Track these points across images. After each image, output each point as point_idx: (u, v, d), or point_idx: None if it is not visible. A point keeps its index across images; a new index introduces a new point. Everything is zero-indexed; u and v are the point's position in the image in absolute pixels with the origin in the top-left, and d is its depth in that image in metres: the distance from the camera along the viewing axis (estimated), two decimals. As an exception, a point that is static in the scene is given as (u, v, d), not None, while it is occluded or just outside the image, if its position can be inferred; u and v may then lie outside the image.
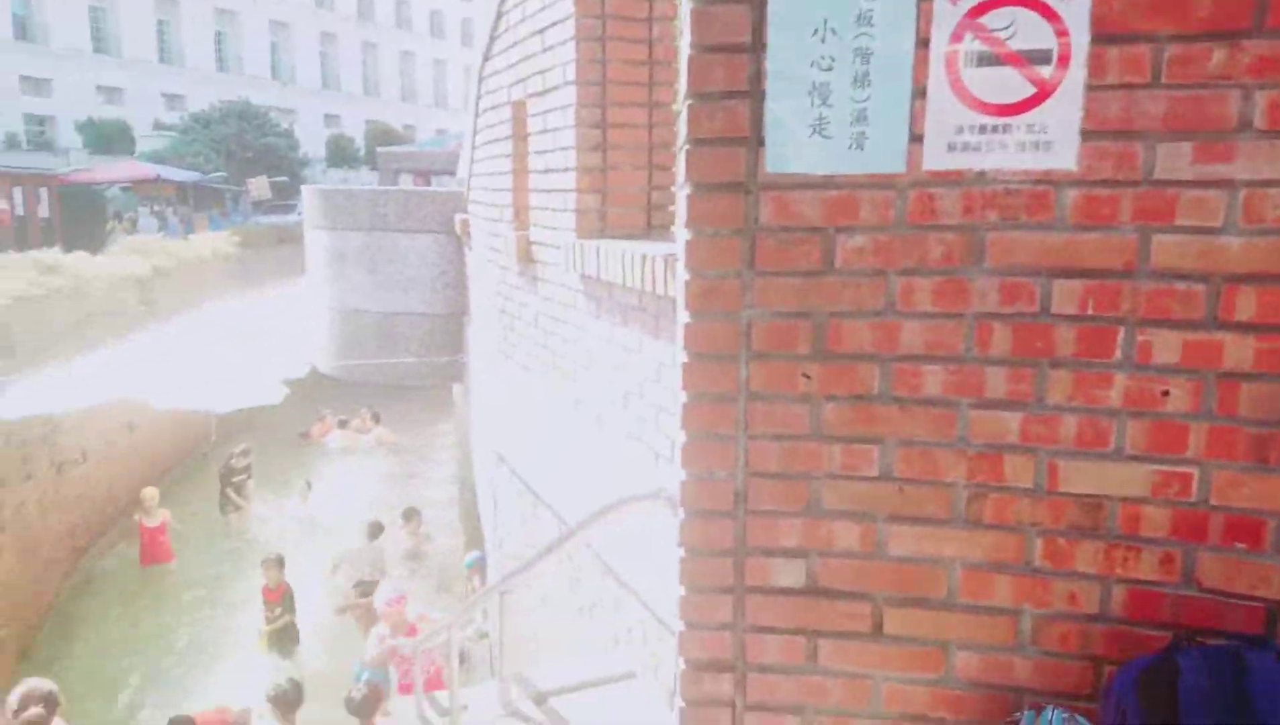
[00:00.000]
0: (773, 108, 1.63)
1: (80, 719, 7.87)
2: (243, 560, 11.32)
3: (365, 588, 8.60)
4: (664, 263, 2.74)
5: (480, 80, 5.29)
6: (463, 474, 10.31)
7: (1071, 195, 1.66)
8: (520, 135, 4.41)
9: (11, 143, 30.65)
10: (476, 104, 5.57)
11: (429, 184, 22.50)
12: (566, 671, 3.43)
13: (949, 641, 1.82)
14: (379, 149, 31.24)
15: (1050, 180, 1.66)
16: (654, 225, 3.77)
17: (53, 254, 11.20)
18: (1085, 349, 1.69)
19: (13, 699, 4.68)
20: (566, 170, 3.72)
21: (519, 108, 4.40)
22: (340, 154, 38.93)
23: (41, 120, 34.68)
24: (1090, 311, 1.68)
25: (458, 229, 6.71)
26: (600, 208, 3.68)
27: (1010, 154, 1.66)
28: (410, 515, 11.58)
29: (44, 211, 22.40)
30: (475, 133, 5.78)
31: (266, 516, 12.73)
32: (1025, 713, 1.79)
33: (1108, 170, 1.64)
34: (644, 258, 2.88)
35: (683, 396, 1.82)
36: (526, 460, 4.61)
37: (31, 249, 12.50)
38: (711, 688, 1.89)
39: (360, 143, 40.69)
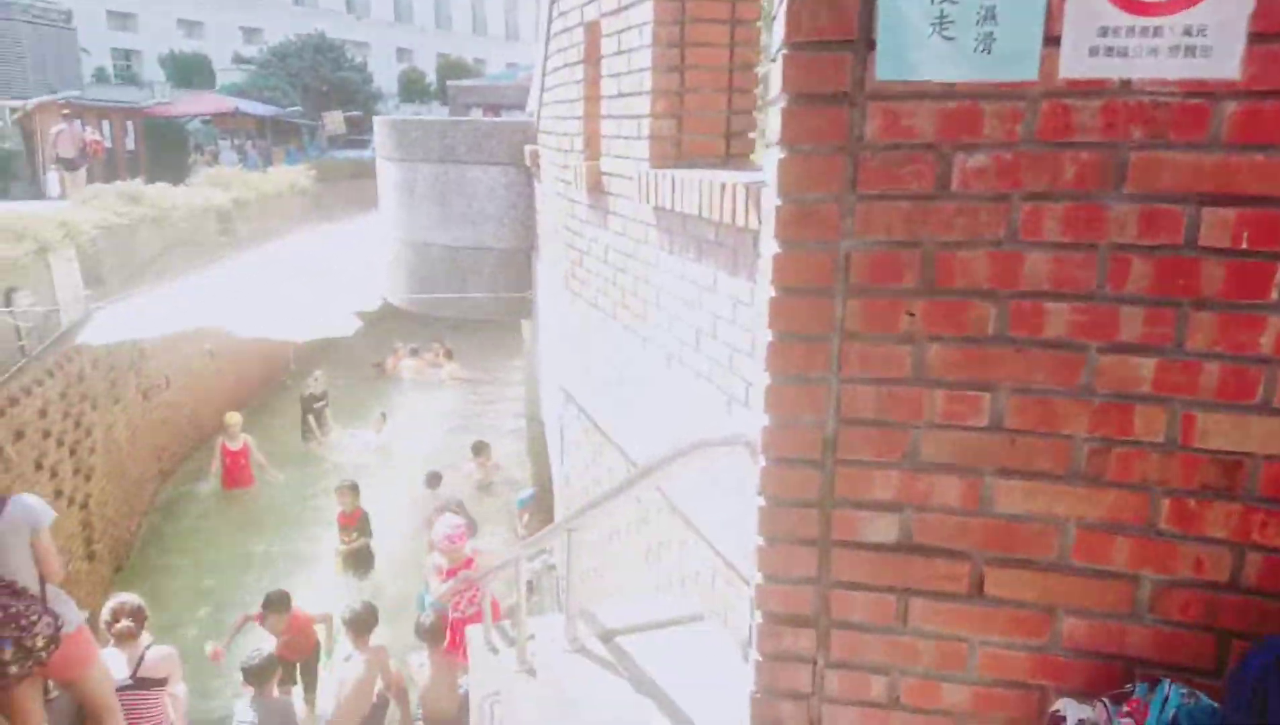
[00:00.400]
0: (888, 3, 1.43)
1: (165, 630, 8.31)
2: (321, 485, 11.70)
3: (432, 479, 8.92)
4: (745, 192, 2.55)
5: (552, 2, 5.07)
6: (531, 409, 10.38)
7: (1231, 109, 1.43)
8: (592, 58, 4.21)
9: (100, 77, 31.48)
10: (548, 28, 5.36)
11: (499, 117, 22.30)
12: (633, 610, 3.39)
13: (1056, 606, 1.66)
14: (450, 83, 31.10)
15: (1207, 91, 1.43)
16: (732, 153, 3.56)
17: (136, 185, 11.47)
18: (1235, 288, 1.48)
19: (105, 612, 4.89)
20: (641, 94, 3.52)
21: (592, 29, 4.20)
22: (412, 88, 38.98)
23: (127, 54, 35.52)
24: (1244, 245, 1.46)
25: (527, 160, 6.57)
26: (676, 134, 3.49)
27: (1161, 60, 1.43)
28: (480, 449, 11.77)
29: (130, 144, 23.02)
30: (545, 59, 5.58)
31: (343, 444, 13.10)
32: (1138, 685, 1.63)
33: (1277, 79, 1.40)
34: (723, 186, 2.70)
35: (768, 335, 1.67)
36: (594, 399, 4.53)
37: (118, 181, 12.79)
38: (791, 643, 1.78)
39: (432, 77, 40.60)
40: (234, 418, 10.95)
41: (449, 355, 17.21)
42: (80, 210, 9.71)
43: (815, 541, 1.74)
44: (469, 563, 5.90)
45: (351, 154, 26.25)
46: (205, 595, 8.96)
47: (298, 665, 7.01)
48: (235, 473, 10.93)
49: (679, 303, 3.34)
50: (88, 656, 4.25)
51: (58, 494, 7.58)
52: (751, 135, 3.60)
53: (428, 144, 7.08)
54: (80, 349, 8.44)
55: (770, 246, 1.65)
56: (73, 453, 8.00)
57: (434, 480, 10.04)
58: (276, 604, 6.68)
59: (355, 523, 9.12)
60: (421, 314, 7.61)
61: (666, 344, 3.49)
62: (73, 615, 4.15)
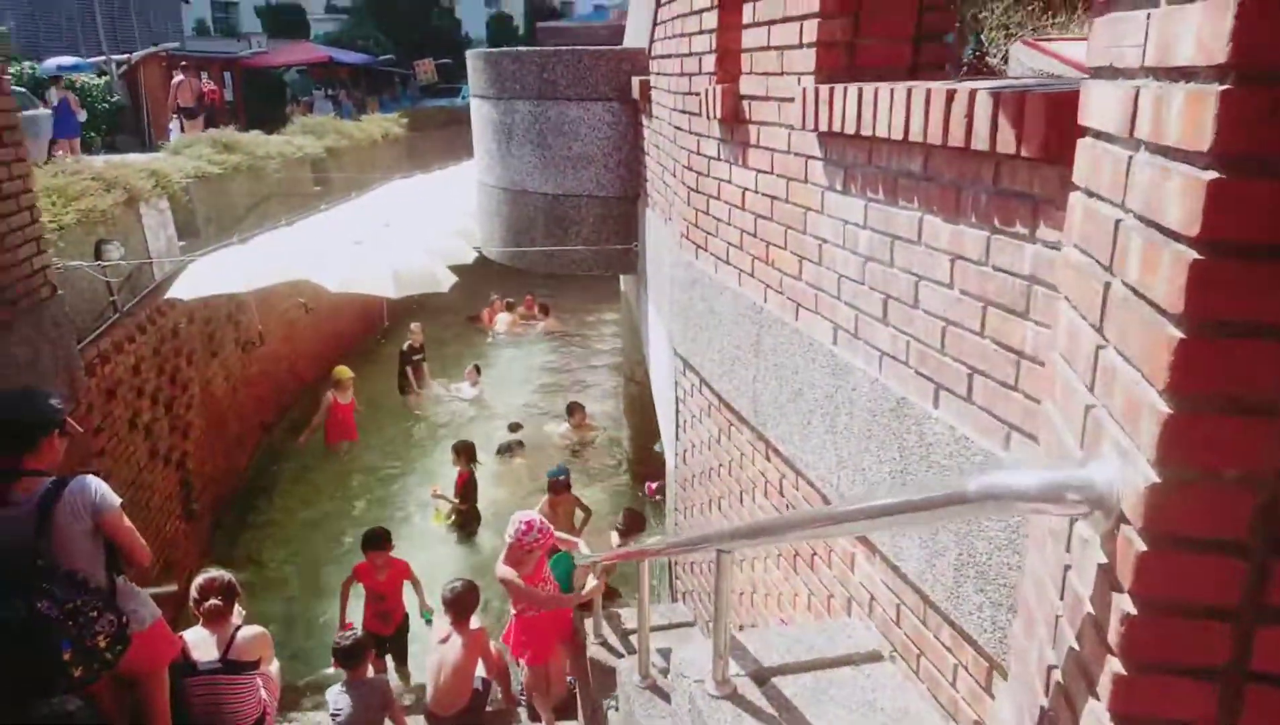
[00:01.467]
0: None
1: (267, 587, 8.18)
2: (419, 440, 11.48)
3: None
4: (991, 101, 1.79)
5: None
6: (629, 367, 9.78)
7: None
8: (730, -46, 3.44)
9: (200, 30, 31.96)
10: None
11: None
12: (790, 641, 2.74)
13: None
14: (539, 25, 30.32)
15: None
16: (921, 64, 2.76)
17: (229, 132, 11.23)
18: None
19: (193, 589, 4.54)
20: (802, -10, 2.75)
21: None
22: (501, 33, 38.40)
23: (226, 6, 36.00)
24: None
25: (635, 93, 5.83)
26: (849, 39, 2.71)
27: None
28: (573, 409, 11.31)
29: (228, 95, 23.17)
30: (661, -31, 4.81)
31: (440, 398, 12.85)
32: None
33: None
34: (948, 95, 1.94)
35: (1171, 331, 0.94)
36: (721, 372, 3.85)
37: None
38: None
39: (520, 21, 39.88)
40: (345, 372, 10.74)
41: (545, 310, 16.78)
42: (173, 160, 9.49)
43: (1216, 672, 1.03)
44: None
45: (443, 102, 25.94)
46: (304, 552, 8.80)
47: (386, 642, 6.71)
48: (342, 427, 10.78)
49: (855, 258, 2.60)
50: (159, 656, 3.87)
51: (153, 454, 7.41)
52: (949, 39, 2.77)
53: (524, 79, 6.41)
54: (174, 303, 8.21)
55: (1184, 178, 0.92)
56: (169, 409, 7.82)
57: (515, 428, 10.27)
58: (375, 541, 6.38)
59: (463, 485, 8.80)
60: (518, 268, 6.99)
61: (833, 312, 2.77)
62: (146, 611, 3.76)
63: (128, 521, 3.61)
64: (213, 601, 4.51)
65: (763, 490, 3.59)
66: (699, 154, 3.98)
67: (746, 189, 3.45)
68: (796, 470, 3.17)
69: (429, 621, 6.69)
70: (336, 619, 7.45)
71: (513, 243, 6.89)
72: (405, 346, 12.63)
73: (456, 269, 8.45)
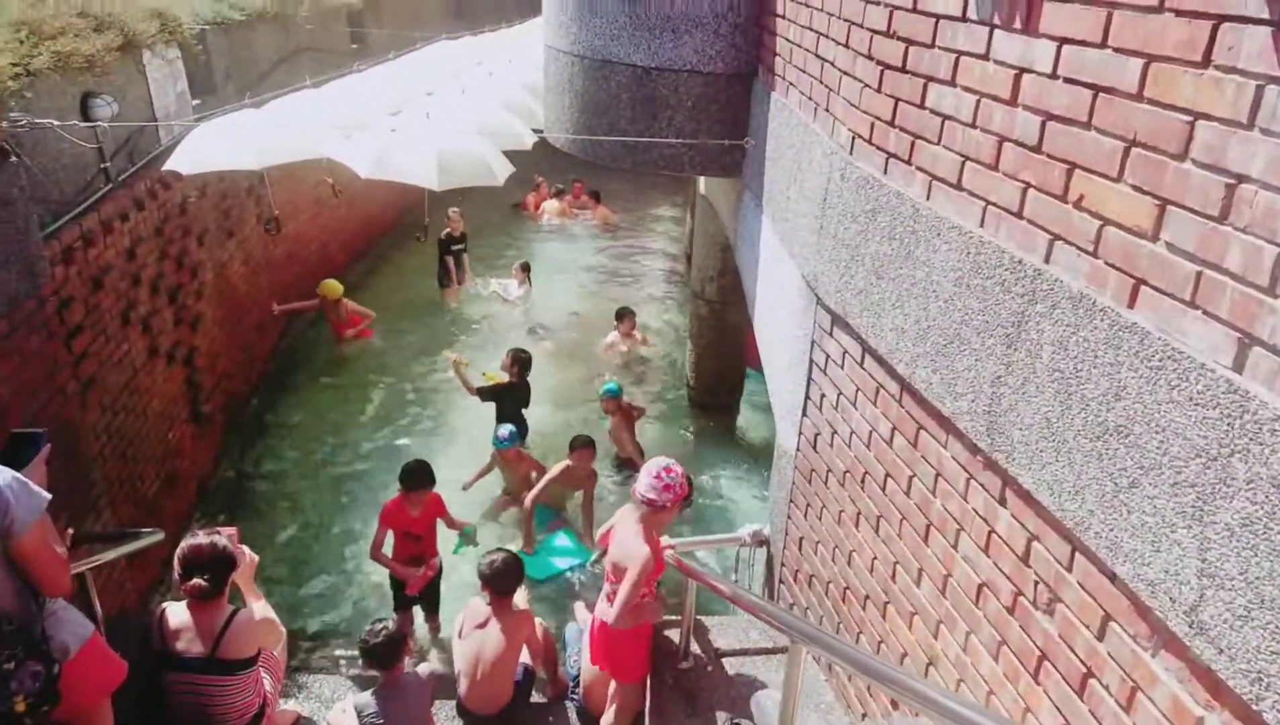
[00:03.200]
0: None
1: (285, 503, 7.28)
2: (458, 339, 10.40)
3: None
4: None
5: None
6: (700, 282, 8.48)
7: None
8: None
9: None
10: None
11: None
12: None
13: None
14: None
15: None
16: None
17: (255, -26, 9.70)
18: None
19: (176, 561, 3.47)
20: None
21: None
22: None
23: None
24: None
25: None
26: None
27: None
28: (623, 315, 10.10)
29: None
30: None
31: (482, 294, 11.69)
32: None
33: None
34: None
35: None
36: (920, 355, 2.60)
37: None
38: None
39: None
40: (333, 289, 9.66)
41: (596, 197, 15.32)
42: (184, 1, 8.06)
43: None
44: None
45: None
46: (327, 463, 7.87)
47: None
48: (343, 331, 9.83)
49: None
50: (92, 690, 2.83)
51: (153, 352, 6.35)
52: None
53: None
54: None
55: None
56: (172, 299, 6.72)
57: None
58: (417, 478, 5.36)
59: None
60: (592, 161, 5.64)
61: (1238, 309, 1.49)
62: (75, 633, 2.70)
63: (48, 539, 2.50)
64: (197, 580, 3.45)
65: (980, 542, 2.38)
66: (915, 11, 2.59)
67: (1028, 71, 2.10)
68: (1078, 543, 1.95)
69: (460, 549, 5.79)
70: (360, 553, 6.60)
71: (586, 128, 5.52)
72: (443, 234, 11.37)
73: (511, 155, 7.11)
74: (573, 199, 15.41)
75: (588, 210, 15.33)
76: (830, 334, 3.35)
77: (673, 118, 5.15)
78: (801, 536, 3.81)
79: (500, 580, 4.40)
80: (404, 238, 13.79)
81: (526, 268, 11.58)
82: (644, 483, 3.54)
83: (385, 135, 6.46)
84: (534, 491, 6.52)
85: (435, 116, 6.67)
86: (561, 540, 6.65)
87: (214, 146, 6.15)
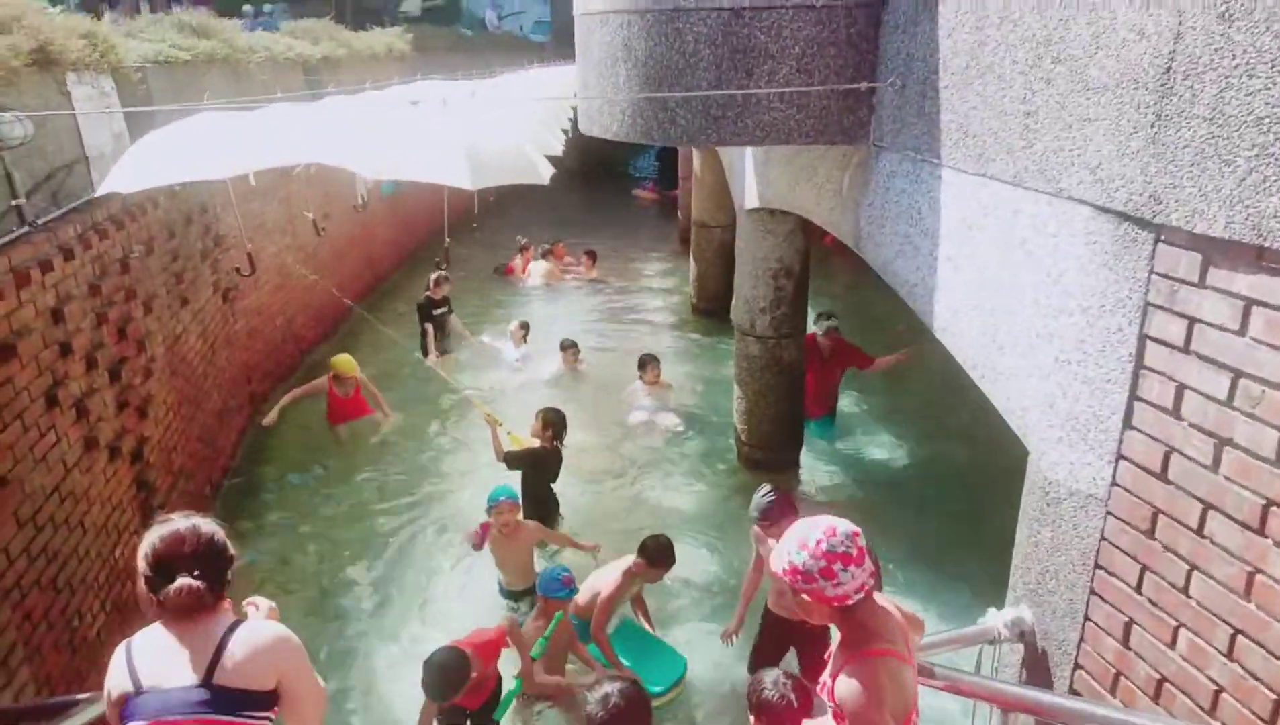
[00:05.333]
0: None
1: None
2: (454, 414, 8.94)
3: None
4: None
5: None
6: (749, 318, 7.21)
7: None
8: None
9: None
10: None
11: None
12: None
13: None
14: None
15: None
16: None
17: (201, 14, 8.49)
18: None
19: (142, 556, 2.24)
20: None
21: None
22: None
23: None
24: None
25: None
26: None
27: None
28: (646, 362, 8.94)
29: None
30: None
31: (477, 360, 10.30)
32: None
33: None
34: None
35: None
36: None
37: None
38: None
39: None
40: (348, 366, 8.19)
41: (591, 257, 14.18)
42: (124, 40, 6.77)
43: None
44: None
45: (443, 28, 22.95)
46: (316, 564, 6.29)
47: (470, 717, 4.33)
48: (343, 413, 8.28)
49: None
50: None
51: (90, 445, 4.83)
52: None
53: None
54: (121, 222, 5.58)
55: None
56: (114, 377, 5.23)
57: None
58: (439, 689, 3.97)
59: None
60: (656, 140, 4.38)
61: None
62: None
63: None
64: (185, 580, 2.21)
65: None
66: None
67: None
68: None
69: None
70: (356, 692, 5.09)
71: (649, 107, 4.29)
72: (423, 299, 10.05)
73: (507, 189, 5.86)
74: (556, 260, 14.22)
75: (579, 268, 14.17)
76: (1201, 284, 2.09)
77: (775, 72, 3.96)
78: (1128, 620, 2.46)
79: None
80: (375, 308, 12.41)
81: (525, 327, 10.28)
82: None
83: (395, 126, 5.11)
84: (602, 613, 4.96)
85: (457, 106, 5.29)
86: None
87: (167, 157, 4.76)
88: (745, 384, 7.45)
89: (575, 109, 7.78)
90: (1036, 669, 2.93)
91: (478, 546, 5.61)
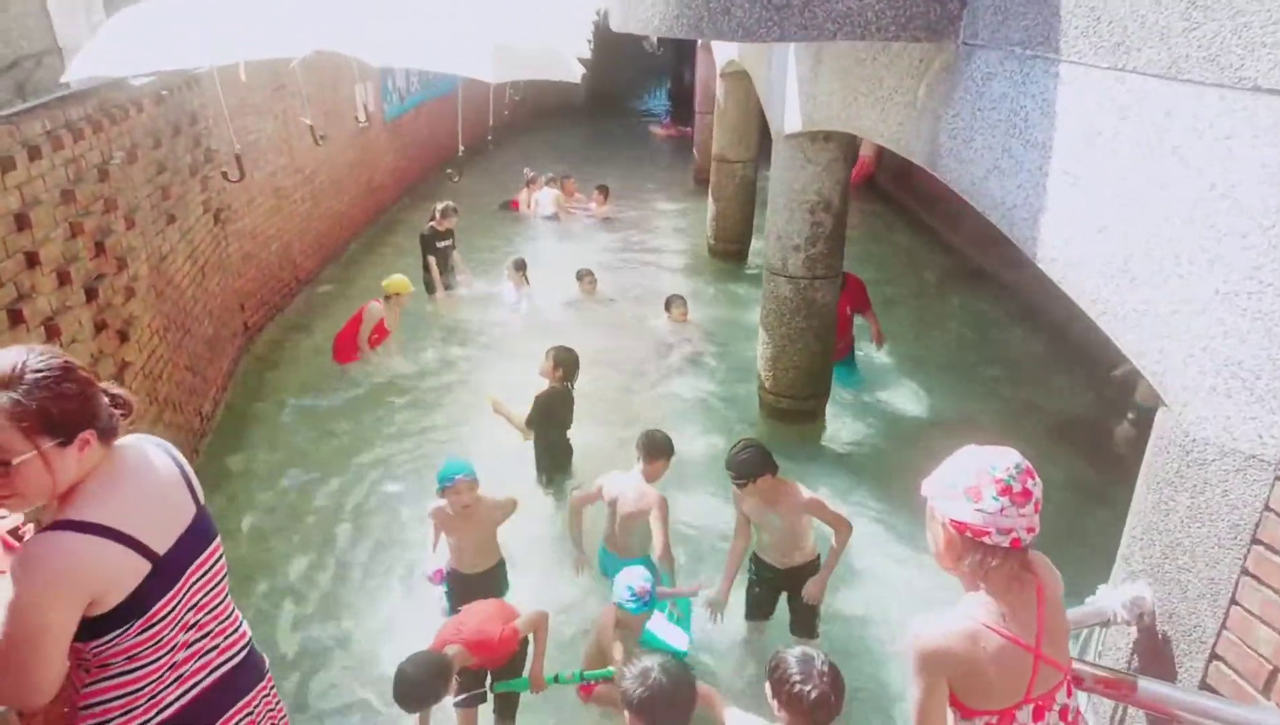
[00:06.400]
0: None
1: (261, 572, 5.28)
2: (456, 355, 8.47)
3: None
4: None
5: None
6: (780, 257, 6.69)
7: None
8: None
9: None
10: None
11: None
12: None
13: None
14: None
15: None
16: None
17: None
18: None
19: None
20: None
21: None
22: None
23: None
24: None
25: None
26: None
27: None
28: (672, 303, 8.65)
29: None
30: None
31: (477, 299, 9.79)
32: None
33: None
34: None
35: None
36: None
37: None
38: None
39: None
40: (405, 285, 7.79)
41: (604, 192, 13.56)
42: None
43: None
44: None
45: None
46: (310, 517, 5.87)
47: (487, 678, 3.91)
48: (367, 346, 7.84)
49: None
50: None
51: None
52: None
53: None
54: (100, 122, 5.02)
55: None
56: (91, 296, 4.72)
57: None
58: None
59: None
60: (717, 32, 3.81)
61: None
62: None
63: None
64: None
65: None
66: None
67: None
68: None
69: (559, 679, 3.80)
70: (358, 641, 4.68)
71: (695, 4, 3.72)
72: (426, 229, 9.47)
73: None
74: (566, 196, 13.58)
75: (591, 205, 13.55)
76: None
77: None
78: (1300, 603, 2.01)
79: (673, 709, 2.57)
80: (376, 241, 11.86)
81: (521, 266, 9.69)
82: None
83: (411, 10, 4.49)
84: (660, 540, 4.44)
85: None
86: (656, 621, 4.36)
87: (144, 39, 4.18)
88: (772, 328, 6.95)
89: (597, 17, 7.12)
90: (1154, 657, 2.50)
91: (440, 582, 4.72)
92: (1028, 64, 2.99)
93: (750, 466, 4.01)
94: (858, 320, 7.74)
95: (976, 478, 1.88)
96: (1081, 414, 7.24)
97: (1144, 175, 2.43)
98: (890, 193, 14.68)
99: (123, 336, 5.10)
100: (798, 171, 6.34)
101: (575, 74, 4.98)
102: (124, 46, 4.16)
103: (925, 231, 12.79)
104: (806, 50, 5.51)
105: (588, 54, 7.12)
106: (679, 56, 25.94)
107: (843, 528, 4.10)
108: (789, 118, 6.12)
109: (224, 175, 6.87)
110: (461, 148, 7.16)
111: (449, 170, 7.75)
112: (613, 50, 25.65)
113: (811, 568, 4.33)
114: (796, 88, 5.84)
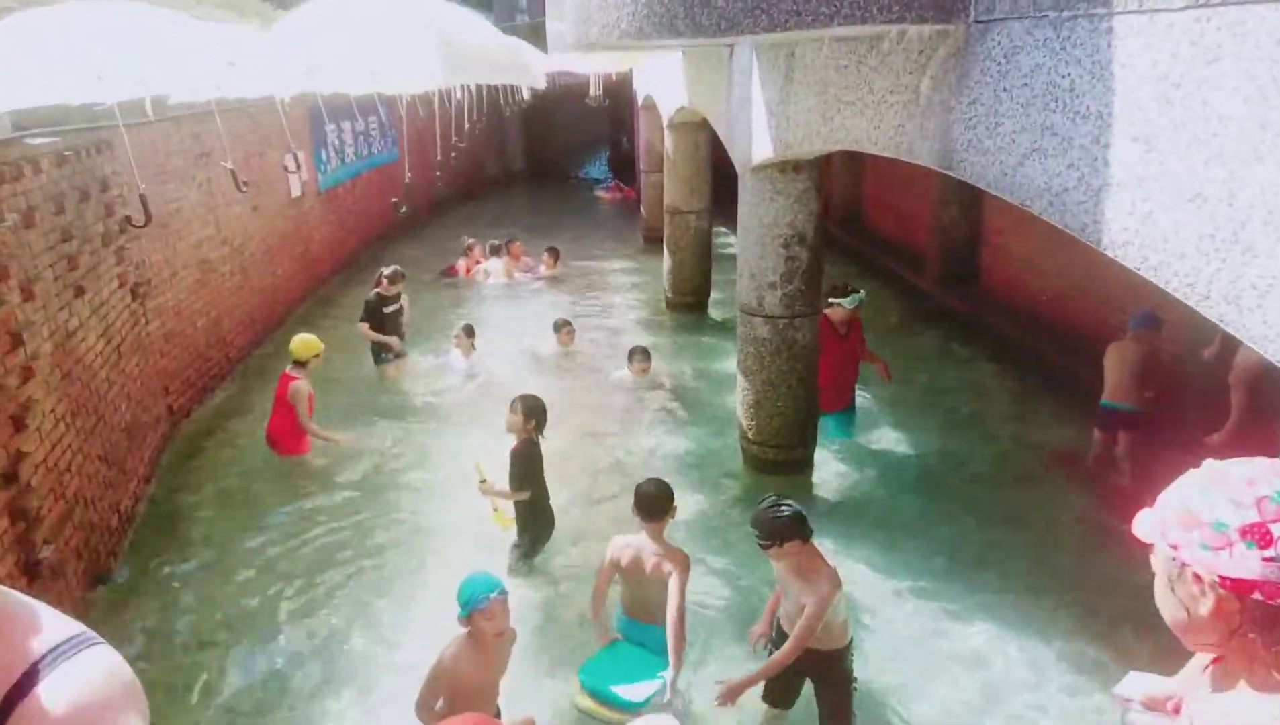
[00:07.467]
0: None
1: (184, 696, 4.46)
2: (411, 425, 7.78)
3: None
4: None
5: None
6: (755, 295, 6.26)
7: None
8: None
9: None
10: None
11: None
12: None
13: None
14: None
15: None
16: None
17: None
18: None
19: None
20: None
21: None
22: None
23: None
24: None
25: None
26: None
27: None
28: (634, 354, 8.35)
29: None
30: None
31: (426, 370, 9.15)
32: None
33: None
34: None
35: None
36: None
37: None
38: None
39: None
40: (316, 345, 6.95)
41: (554, 255, 13.16)
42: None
43: None
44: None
45: None
46: (245, 607, 5.09)
47: None
48: (295, 433, 6.96)
49: None
50: None
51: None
52: None
53: None
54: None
55: None
56: (-25, 376, 4.02)
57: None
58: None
59: (512, 460, 5.30)
60: (650, 42, 3.43)
61: None
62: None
63: None
64: None
65: None
66: None
67: None
68: None
69: None
70: None
71: (668, -1, 3.31)
72: (372, 295, 8.86)
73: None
74: (511, 260, 13.11)
75: (540, 267, 13.12)
76: None
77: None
78: None
79: None
80: (314, 316, 11.18)
81: (470, 332, 9.12)
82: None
83: (335, 20, 3.92)
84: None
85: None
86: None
87: (22, 65, 3.54)
88: (752, 373, 6.48)
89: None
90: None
91: None
92: (1066, 27, 2.61)
93: (779, 530, 3.46)
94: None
95: (1258, 510, 1.24)
96: (1075, 446, 6.88)
97: (1256, 124, 2.02)
98: (838, 237, 14.56)
99: (17, 423, 4.37)
100: (768, 205, 5.96)
101: (538, 78, 4.51)
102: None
103: (880, 274, 12.61)
104: (775, 70, 5.17)
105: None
106: (616, 125, 26.11)
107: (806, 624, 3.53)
108: (756, 147, 5.76)
109: (128, 220, 6.23)
110: (409, 175, 6.62)
111: (395, 200, 7.27)
112: (550, 120, 25.76)
113: (839, 656, 3.74)
114: (764, 113, 5.49)
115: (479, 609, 3.21)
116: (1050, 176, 2.73)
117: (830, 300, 6.75)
